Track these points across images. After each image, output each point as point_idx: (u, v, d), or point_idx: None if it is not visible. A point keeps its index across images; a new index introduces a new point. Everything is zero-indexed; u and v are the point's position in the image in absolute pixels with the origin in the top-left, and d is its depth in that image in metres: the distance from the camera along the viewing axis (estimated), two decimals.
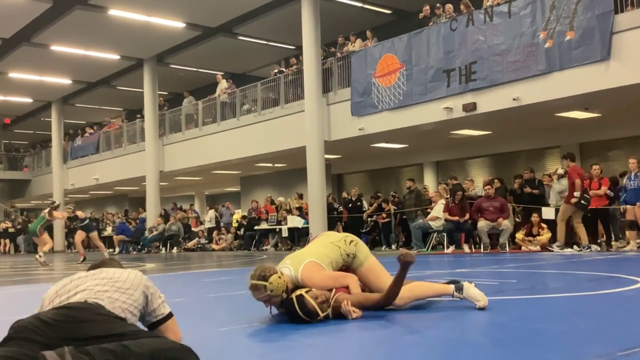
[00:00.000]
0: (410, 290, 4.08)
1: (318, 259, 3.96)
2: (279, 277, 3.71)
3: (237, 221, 21.06)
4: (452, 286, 4.10)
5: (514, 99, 12.63)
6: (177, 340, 2.65)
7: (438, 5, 14.82)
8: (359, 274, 4.10)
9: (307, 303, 3.66)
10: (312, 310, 3.66)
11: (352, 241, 4.15)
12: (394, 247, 15.63)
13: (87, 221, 15.27)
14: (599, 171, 12.14)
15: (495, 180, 13.74)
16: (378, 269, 4.14)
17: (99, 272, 2.71)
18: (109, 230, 24.93)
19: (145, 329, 2.70)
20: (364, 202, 17.58)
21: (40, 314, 2.35)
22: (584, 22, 11.62)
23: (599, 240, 12.32)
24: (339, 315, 3.77)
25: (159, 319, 2.74)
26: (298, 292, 3.73)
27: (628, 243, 11.66)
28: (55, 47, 21.06)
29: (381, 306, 3.91)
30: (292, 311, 3.68)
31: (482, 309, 3.97)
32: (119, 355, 2.07)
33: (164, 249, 20.50)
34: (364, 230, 16.73)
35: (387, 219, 15.99)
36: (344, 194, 18.87)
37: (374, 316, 3.85)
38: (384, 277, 4.06)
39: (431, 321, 3.74)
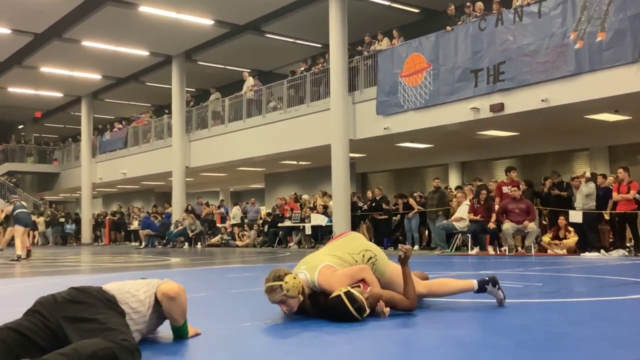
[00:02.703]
0: (427, 287, 4.13)
1: (332, 263, 3.95)
2: (294, 278, 3.71)
3: (261, 218, 21.17)
4: (475, 282, 4.14)
5: (542, 100, 12.48)
6: (172, 290, 3.06)
7: (468, 3, 14.69)
8: (380, 284, 4.04)
9: (358, 298, 3.65)
10: (362, 305, 3.64)
11: (370, 258, 4.10)
12: (417, 247, 15.57)
13: (16, 211, 13.45)
14: (624, 175, 11.90)
15: (513, 172, 13.53)
16: (397, 279, 4.07)
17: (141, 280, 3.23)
18: (135, 224, 25.24)
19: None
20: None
21: (58, 292, 2.74)
22: (616, 23, 11.43)
23: (627, 245, 12.14)
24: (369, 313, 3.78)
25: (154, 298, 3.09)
26: (344, 289, 3.69)
27: None
28: (86, 43, 21.38)
29: (409, 310, 3.91)
30: (341, 309, 3.62)
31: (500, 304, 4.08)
32: (70, 357, 2.34)
33: (187, 243, 20.69)
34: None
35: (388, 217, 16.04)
36: (368, 193, 18.85)
37: (396, 315, 3.86)
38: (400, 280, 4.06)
39: (453, 322, 3.74)
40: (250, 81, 21.29)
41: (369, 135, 16.24)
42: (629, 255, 11.28)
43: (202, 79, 25.79)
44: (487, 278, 4.16)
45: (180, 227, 21.25)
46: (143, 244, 22.02)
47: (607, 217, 12.48)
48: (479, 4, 14.34)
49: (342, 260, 4.00)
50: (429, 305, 4.30)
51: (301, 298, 3.74)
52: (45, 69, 24.55)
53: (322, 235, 17.45)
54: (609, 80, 11.55)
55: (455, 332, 3.43)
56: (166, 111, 25.55)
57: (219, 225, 22.36)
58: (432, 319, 3.84)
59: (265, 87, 20.33)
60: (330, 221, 17.00)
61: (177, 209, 22.86)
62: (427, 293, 4.17)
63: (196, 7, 18.22)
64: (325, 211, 17.65)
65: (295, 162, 21.98)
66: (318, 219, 17.56)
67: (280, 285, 3.65)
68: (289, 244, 18.56)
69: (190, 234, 20.74)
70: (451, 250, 13.61)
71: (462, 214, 13.44)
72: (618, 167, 12.92)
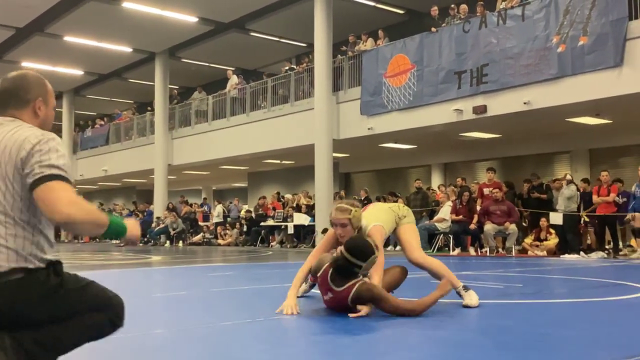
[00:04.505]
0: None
1: (383, 223, 4.31)
2: (361, 214, 4.15)
3: (239, 217, 21.11)
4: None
5: (524, 103, 12.57)
6: (53, 211, 1.97)
7: (452, 5, 14.76)
8: (400, 230, 4.45)
9: (364, 238, 3.92)
10: (368, 244, 3.84)
11: (404, 206, 4.71)
12: (398, 247, 15.58)
13: None
14: (608, 178, 12.06)
15: (490, 173, 13.67)
16: (414, 232, 4.51)
17: None
18: None
19: None
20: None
21: None
22: (598, 27, 11.55)
23: (605, 247, 12.27)
24: (357, 302, 3.80)
25: (30, 181, 2.01)
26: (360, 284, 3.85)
27: (635, 251, 11.61)
28: (69, 38, 21.15)
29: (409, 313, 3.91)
30: (357, 245, 3.80)
31: (468, 306, 4.19)
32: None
33: (168, 242, 20.55)
34: None
35: None
36: (342, 193, 18.90)
37: (380, 315, 3.85)
38: (415, 241, 4.43)
39: (436, 322, 3.74)
40: (234, 79, 21.22)
41: (352, 135, 16.26)
42: (607, 258, 11.41)
43: (186, 76, 25.62)
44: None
45: (161, 225, 21.12)
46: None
47: (586, 219, 12.60)
48: (463, 7, 14.42)
49: (386, 215, 4.40)
50: None
51: (355, 232, 4.07)
52: (26, 64, 24.20)
53: (304, 234, 17.41)
54: (590, 84, 11.67)
55: (437, 332, 3.43)
56: (149, 108, 25.37)
57: (201, 223, 22.24)
58: (415, 318, 3.84)
59: (250, 85, 20.27)
60: (313, 221, 16.99)
61: (158, 207, 22.71)
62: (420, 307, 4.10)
63: (180, 4, 18.09)
64: (309, 211, 17.62)
65: (278, 161, 21.94)
66: (301, 219, 17.53)
67: (351, 210, 4.06)
68: (272, 243, 18.52)
69: (172, 232, 20.61)
70: (433, 251, 13.66)
71: (445, 215, 13.51)
72: (599, 170, 13.08)
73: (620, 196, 11.86)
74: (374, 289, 3.80)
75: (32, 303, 2.05)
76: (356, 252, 3.75)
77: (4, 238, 2.03)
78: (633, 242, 12.17)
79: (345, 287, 3.79)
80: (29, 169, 2.01)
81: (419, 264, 4.36)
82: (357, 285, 3.78)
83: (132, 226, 2.31)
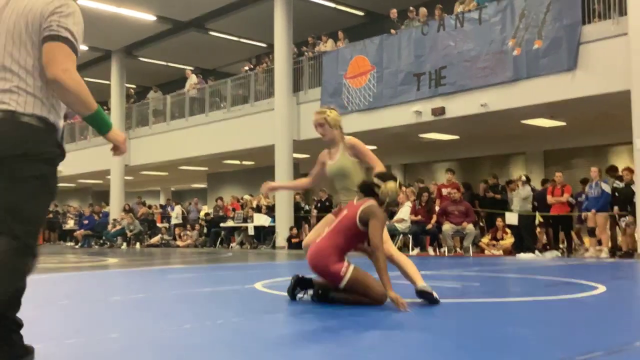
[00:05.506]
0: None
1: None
2: (339, 116, 4.89)
3: (199, 218, 20.89)
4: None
5: (481, 105, 12.79)
6: (48, 66, 2.33)
7: (411, 8, 14.92)
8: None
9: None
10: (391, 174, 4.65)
11: None
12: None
13: None
14: (562, 178, 12.37)
15: (449, 174, 13.88)
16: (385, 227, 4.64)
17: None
18: (70, 224, 24.43)
19: None
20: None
21: None
22: (552, 31, 11.83)
23: (560, 246, 12.57)
24: (365, 216, 4.33)
25: (45, 34, 2.38)
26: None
27: (587, 249, 11.92)
28: None
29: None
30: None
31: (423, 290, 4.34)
32: None
33: (125, 243, 20.19)
34: None
35: None
36: (297, 197, 18.84)
37: (338, 317, 3.85)
38: (386, 234, 4.57)
39: (394, 322, 3.76)
40: (193, 79, 21.00)
41: (313, 136, 16.16)
42: (561, 257, 11.69)
43: (143, 75, 25.25)
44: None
45: (118, 227, 20.73)
46: (79, 244, 21.36)
47: (540, 219, 12.88)
48: (423, 10, 14.59)
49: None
50: (373, 306, 4.32)
51: (335, 133, 4.85)
52: None
53: (264, 235, 17.32)
54: (545, 87, 11.94)
55: (395, 332, 3.45)
56: (104, 108, 24.87)
57: (159, 225, 21.91)
58: (373, 319, 3.86)
59: (209, 85, 20.09)
60: (274, 222, 16.93)
61: (115, 209, 22.29)
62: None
63: (138, 1, 17.82)
64: (269, 212, 17.54)
65: (238, 162, 21.80)
66: (261, 219, 17.44)
67: (326, 111, 4.85)
68: (231, 245, 18.38)
69: (129, 234, 20.25)
70: None
71: (404, 215, 13.62)
72: (553, 171, 13.39)
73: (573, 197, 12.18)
74: (381, 211, 4.38)
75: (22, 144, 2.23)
76: (378, 176, 4.59)
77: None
78: (587, 240, 12.50)
79: (363, 199, 4.47)
80: (47, 24, 2.35)
81: (389, 256, 4.45)
82: (374, 201, 4.42)
83: (119, 131, 2.50)
